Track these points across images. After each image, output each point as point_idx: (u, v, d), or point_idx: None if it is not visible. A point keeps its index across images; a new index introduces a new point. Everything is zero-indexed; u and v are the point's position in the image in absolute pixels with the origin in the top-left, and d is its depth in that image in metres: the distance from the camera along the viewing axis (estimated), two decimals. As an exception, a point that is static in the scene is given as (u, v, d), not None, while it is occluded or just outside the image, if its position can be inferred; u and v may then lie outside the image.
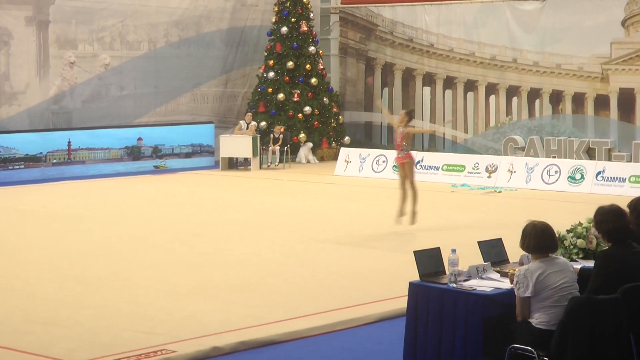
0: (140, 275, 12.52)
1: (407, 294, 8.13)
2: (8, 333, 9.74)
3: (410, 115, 16.29)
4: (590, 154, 23.80)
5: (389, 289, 11.59)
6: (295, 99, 27.65)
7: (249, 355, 9.23)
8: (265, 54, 28.31)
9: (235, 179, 24.00)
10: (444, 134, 27.70)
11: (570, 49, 25.18)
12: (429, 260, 8.14)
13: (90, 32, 26.23)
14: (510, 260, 8.69)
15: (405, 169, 16.15)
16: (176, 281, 12.15)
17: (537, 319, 7.42)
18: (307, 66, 27.78)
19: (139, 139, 25.95)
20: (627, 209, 7.96)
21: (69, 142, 24.74)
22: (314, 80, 27.82)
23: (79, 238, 15.42)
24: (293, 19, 27.86)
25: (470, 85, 27.31)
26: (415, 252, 8.11)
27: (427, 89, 28.13)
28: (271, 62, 27.97)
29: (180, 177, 24.53)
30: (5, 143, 23.67)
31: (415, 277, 8.12)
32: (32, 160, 24.06)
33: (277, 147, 26.52)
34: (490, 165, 22.71)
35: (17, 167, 23.80)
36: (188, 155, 27.12)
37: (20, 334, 9.73)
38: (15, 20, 24.81)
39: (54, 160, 24.49)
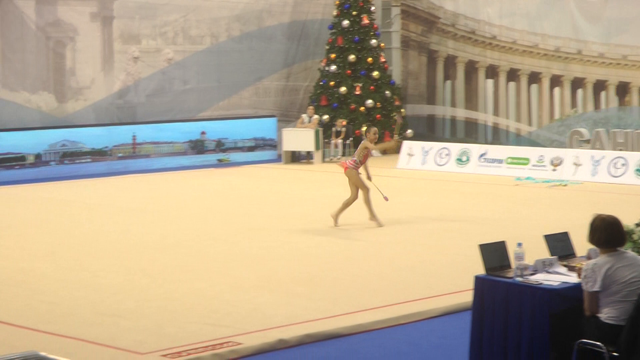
0: (205, 268, 12.61)
1: (472, 287, 8.09)
2: (77, 324, 9.87)
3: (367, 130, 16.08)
4: (657, 146, 23.48)
5: (453, 283, 11.54)
6: (357, 92, 27.62)
7: (314, 348, 9.25)
8: (327, 47, 28.31)
9: (298, 172, 24.05)
10: (507, 126, 27.50)
11: (636, 40, 24.84)
12: (495, 254, 8.08)
13: (154, 27, 26.45)
14: (577, 255, 8.61)
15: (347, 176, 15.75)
16: (241, 274, 12.21)
17: (606, 314, 7.33)
18: (369, 59, 27.74)
19: (203, 132, 26.12)
20: None
21: (134, 136, 24.99)
22: (375, 74, 27.77)
23: (144, 231, 15.57)
24: (354, 12, 27.83)
25: (534, 78, 27.08)
26: (480, 246, 8.06)
27: (490, 82, 27.95)
28: (333, 56, 27.97)
29: (243, 171, 24.63)
30: (72, 137, 23.98)
31: (481, 270, 8.07)
32: (98, 154, 24.35)
33: (340, 140, 26.52)
34: (555, 159, 22.49)
35: (84, 161, 24.09)
36: (251, 148, 27.22)
37: (88, 325, 9.85)
38: (80, 16, 25.11)
39: (119, 154, 24.75)
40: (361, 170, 15.93)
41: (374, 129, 16.09)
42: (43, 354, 5.38)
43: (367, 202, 15.72)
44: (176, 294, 11.14)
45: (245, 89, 28.28)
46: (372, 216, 15.71)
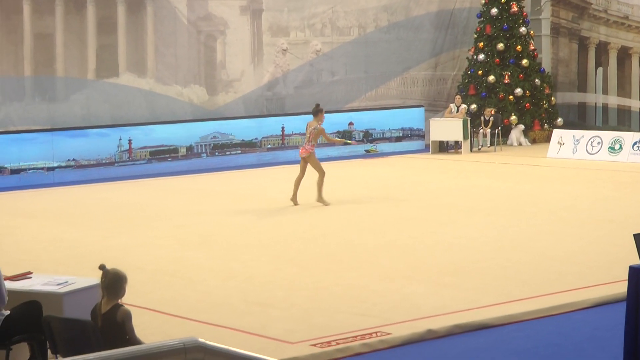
0: (353, 258, 12.66)
1: (626, 278, 7.88)
2: (228, 314, 10.05)
3: (318, 110, 17.49)
4: None
5: (606, 273, 11.30)
6: (506, 81, 27.27)
7: (463, 338, 9.19)
8: (475, 36, 28.03)
9: (446, 162, 23.92)
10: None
11: None
12: (650, 244, 7.86)
13: (302, 19, 26.67)
14: None
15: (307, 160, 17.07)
16: (389, 264, 12.22)
17: None
18: (518, 47, 27.34)
19: (350, 123, 26.21)
20: None
21: (283, 128, 25.26)
22: (525, 62, 27.35)
23: (292, 221, 15.73)
24: (503, 0, 27.45)
25: (691, 63, 26.20)
26: (635, 236, 7.85)
27: (643, 68, 27.19)
28: (481, 44, 27.68)
29: (391, 161, 24.64)
30: (222, 129, 24.40)
31: (635, 260, 7.87)
32: (247, 145, 24.70)
33: (488, 130, 26.25)
34: None
35: (234, 152, 24.48)
36: (398, 139, 27.19)
37: (239, 314, 10.02)
38: (231, 9, 25.51)
39: (269, 146, 25.05)
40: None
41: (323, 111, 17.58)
42: (201, 340, 5.48)
43: (321, 184, 17.01)
44: (325, 284, 11.23)
45: (392, 79, 28.25)
46: (320, 198, 16.95)
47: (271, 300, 10.55)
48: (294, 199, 17.14)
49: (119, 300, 7.55)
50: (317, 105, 17.79)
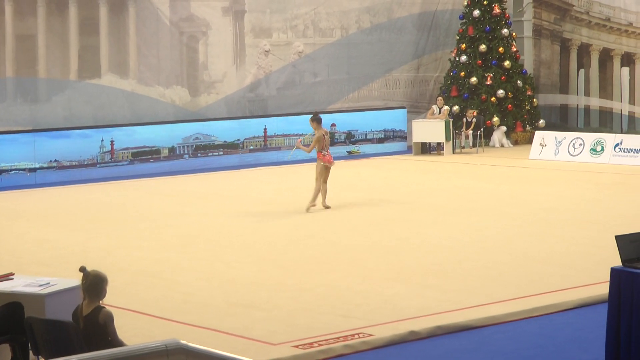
0: (337, 259, 12.65)
1: (608, 280, 7.91)
2: (211, 315, 10.03)
3: (313, 119, 17.07)
4: None
5: (588, 275, 11.33)
6: (488, 83, 27.32)
7: (445, 339, 9.20)
8: (457, 37, 28.07)
9: (428, 163, 23.94)
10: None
11: None
12: (632, 246, 7.88)
13: (284, 21, 26.66)
14: None
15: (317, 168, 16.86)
16: (372, 265, 12.22)
17: None
18: (500, 49, 27.39)
19: (333, 124, 26.22)
20: None
21: (265, 129, 25.24)
22: (507, 63, 27.41)
23: (276, 222, 15.71)
24: (485, 2, 27.49)
25: (672, 65, 26.32)
26: (617, 237, 7.87)
27: (625, 70, 27.28)
28: (463, 46, 27.72)
29: (374, 162, 24.64)
30: (204, 130, 24.36)
31: (617, 262, 7.89)
32: (230, 147, 24.67)
33: (470, 131, 26.30)
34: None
35: (216, 153, 24.44)
36: (381, 140, 27.20)
37: (222, 316, 10.00)
38: (213, 10, 25.48)
39: (251, 147, 25.03)
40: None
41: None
42: (183, 342, 5.47)
43: (317, 191, 16.78)
44: (308, 285, 11.22)
45: (375, 80, 28.27)
46: (312, 203, 16.71)
47: (254, 301, 10.54)
48: (323, 203, 16.81)
49: (101, 302, 7.53)
50: (315, 114, 17.51)
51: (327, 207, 16.74)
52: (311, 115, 17.29)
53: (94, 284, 7.48)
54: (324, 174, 16.78)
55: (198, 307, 10.38)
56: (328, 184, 16.90)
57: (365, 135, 27.00)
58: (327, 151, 16.86)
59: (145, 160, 23.35)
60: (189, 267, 12.45)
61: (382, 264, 12.26)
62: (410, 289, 10.91)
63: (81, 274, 7.54)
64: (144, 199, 18.87)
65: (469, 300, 10.34)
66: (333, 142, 26.05)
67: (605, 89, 27.79)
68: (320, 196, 16.83)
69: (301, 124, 25.70)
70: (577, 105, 28.39)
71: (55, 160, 22.03)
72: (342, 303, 10.33)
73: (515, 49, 27.84)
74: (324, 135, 16.89)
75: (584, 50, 28.19)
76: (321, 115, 17.41)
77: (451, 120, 25.85)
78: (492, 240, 13.74)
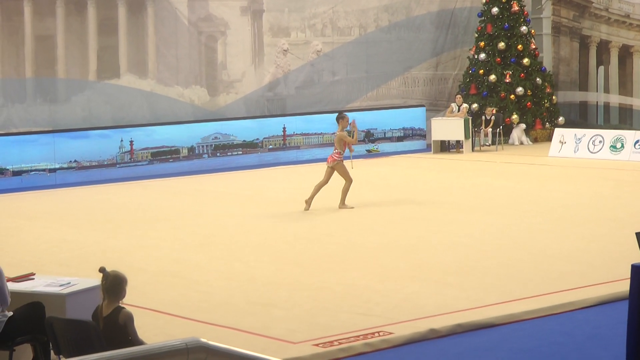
0: (355, 258, 12.65)
1: (629, 276, 7.88)
2: (231, 314, 10.04)
3: (339, 117, 16.99)
4: None
5: (608, 272, 11.29)
6: (507, 80, 27.26)
7: (465, 337, 9.19)
8: (476, 35, 28.02)
9: (448, 161, 23.91)
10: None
11: None
12: (652, 243, 7.86)
13: (302, 20, 26.67)
14: None
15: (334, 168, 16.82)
16: (391, 264, 12.21)
17: None
18: (519, 46, 27.32)
19: (352, 123, 26.17)
20: None
21: (284, 128, 25.25)
22: (526, 61, 27.34)
23: (294, 221, 15.72)
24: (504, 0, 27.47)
25: (692, 61, 26.19)
26: (637, 234, 7.85)
27: (645, 66, 27.18)
28: (482, 44, 27.67)
29: (393, 161, 24.63)
30: (224, 130, 24.39)
31: (637, 259, 7.87)
32: (249, 146, 24.70)
33: (490, 129, 26.23)
34: None
35: (235, 153, 24.47)
36: (400, 138, 27.19)
37: (242, 314, 10.02)
38: (231, 10, 25.52)
39: (270, 146, 25.05)
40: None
41: (346, 117, 16.91)
42: (204, 340, 5.48)
43: (346, 191, 16.75)
44: (327, 284, 11.22)
45: (393, 79, 28.24)
46: (343, 204, 16.73)
47: (273, 300, 10.55)
48: (308, 201, 16.76)
49: (120, 302, 7.55)
50: (340, 112, 17.63)
51: (350, 207, 16.74)
52: (337, 114, 17.30)
53: (113, 284, 7.50)
54: (345, 172, 16.74)
55: (217, 306, 10.40)
56: (332, 183, 16.87)
57: (384, 133, 26.98)
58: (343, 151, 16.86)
59: (165, 160, 23.40)
60: (207, 266, 12.47)
61: (401, 263, 12.25)
62: (429, 287, 10.89)
63: (101, 274, 7.56)
64: (163, 199, 18.91)
65: (489, 298, 10.32)
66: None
67: (625, 86, 27.68)
68: (341, 195, 16.86)
69: (320, 122, 25.74)
70: (597, 102, 28.29)
71: (75, 161, 22.11)
72: (361, 302, 10.33)
73: (534, 46, 27.77)
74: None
75: (603, 47, 28.08)
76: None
77: (470, 118, 25.81)
78: (511, 238, 13.71)
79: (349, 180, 16.77)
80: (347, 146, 16.88)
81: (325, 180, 16.86)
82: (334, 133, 17.20)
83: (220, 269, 12.28)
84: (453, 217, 15.57)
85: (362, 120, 26.49)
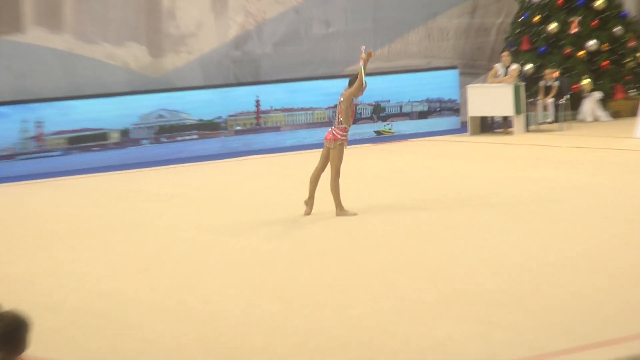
0: (361, 287, 12.56)
1: None
2: (181, 371, 9.93)
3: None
4: None
5: None
6: (574, 31, 27.25)
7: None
8: (529, -33, 28.10)
9: (491, 147, 23.99)
10: None
11: None
12: None
13: (282, -52, 26.64)
14: None
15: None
16: (411, 295, 12.13)
17: None
18: (590, -18, 27.43)
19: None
20: None
21: (257, 102, 25.20)
22: (599, 3, 27.35)
23: (273, 234, 15.68)
24: None
25: None
26: None
27: None
28: (538, -21, 27.74)
29: (413, 147, 24.69)
30: (172, 105, 24.33)
31: None
32: (208, 127, 24.65)
33: (550, 100, 26.22)
34: None
35: (188, 137, 24.43)
36: (422, 115, 27.22)
37: (197, 372, 9.90)
38: None
39: (237, 127, 25.01)
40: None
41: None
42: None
43: (336, 190, 16.67)
44: (321, 325, 11.13)
45: (412, 30, 28.24)
46: (341, 210, 16.70)
47: (244, 350, 10.42)
48: (309, 202, 16.80)
49: (20, 356, 7.38)
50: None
51: (351, 214, 16.68)
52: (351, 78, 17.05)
53: (10, 330, 7.34)
54: (339, 159, 16.67)
55: (162, 360, 10.24)
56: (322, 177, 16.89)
57: (401, 108, 27.00)
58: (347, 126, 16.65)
59: (87, 148, 23.40)
60: (148, 302, 12.37)
61: (426, 293, 12.14)
62: (468, 329, 10.78)
63: (-9, 316, 7.41)
64: (85, 205, 18.88)
65: (553, 343, 10.20)
66: (356, 118, 25.98)
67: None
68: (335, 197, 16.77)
69: (308, 93, 25.66)
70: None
71: (-44, 151, 22.12)
72: (370, 351, 10.21)
73: (611, -18, 27.84)
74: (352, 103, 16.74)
75: None
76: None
77: (523, 84, 25.79)
78: (585, 257, 13.62)
79: (336, 173, 16.62)
80: (353, 112, 16.70)
81: (323, 165, 16.80)
82: (336, 105, 16.89)
83: (165, 305, 12.16)
84: (500, 227, 15.53)
85: (368, 89, 26.27)
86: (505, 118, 25.86)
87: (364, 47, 16.83)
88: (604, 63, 27.31)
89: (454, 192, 18.64)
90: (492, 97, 25.62)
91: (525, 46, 27.76)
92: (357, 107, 25.91)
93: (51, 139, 23.04)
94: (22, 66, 23.62)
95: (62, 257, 14.75)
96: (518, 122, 25.57)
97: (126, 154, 23.66)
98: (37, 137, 22.90)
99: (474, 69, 28.63)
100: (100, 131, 23.54)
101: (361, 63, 16.61)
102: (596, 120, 27.17)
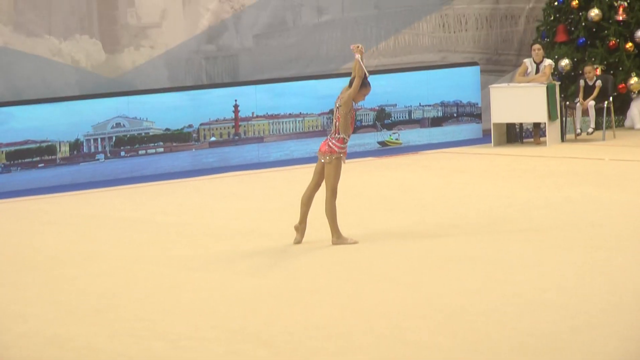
0: (364, 331, 12.59)
1: None
2: None
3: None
4: None
5: None
6: (620, 18, 27.31)
7: None
8: (565, -58, 28.18)
9: (520, 160, 24.02)
10: None
11: None
12: None
13: None
14: None
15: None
16: (425, 338, 12.16)
17: None
18: (640, -41, 27.50)
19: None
20: None
21: (236, 107, 25.24)
22: (651, -16, 27.48)
23: (255, 267, 15.72)
24: None
25: None
26: None
27: None
28: (575, -44, 27.83)
29: (424, 160, 24.67)
30: (132, 112, 24.35)
31: None
32: (176, 139, 24.67)
33: (591, 103, 26.24)
34: None
35: (152, 150, 24.43)
36: (436, 122, 27.24)
37: None
38: None
39: (212, 139, 25.03)
40: None
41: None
42: None
43: (332, 213, 16.76)
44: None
45: (423, 18, 28.30)
46: (338, 238, 16.82)
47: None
48: (300, 228, 16.93)
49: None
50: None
51: (351, 242, 16.83)
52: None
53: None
54: (335, 176, 16.75)
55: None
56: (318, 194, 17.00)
57: (410, 113, 27.05)
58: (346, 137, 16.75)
59: (32, 165, 23.35)
60: (107, 350, 12.36)
61: (441, 337, 12.19)
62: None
63: None
64: (28, 232, 18.92)
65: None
66: (356, 125, 26.06)
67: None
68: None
69: (297, 95, 25.72)
70: None
71: None
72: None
73: (665, -41, 27.92)
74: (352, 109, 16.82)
75: None
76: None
77: (558, 84, 25.83)
78: (635, 292, 13.66)
79: (331, 193, 16.70)
80: (353, 120, 16.77)
81: (316, 183, 16.88)
82: (332, 111, 17.02)
83: (129, 353, 12.18)
84: (531, 258, 15.58)
85: (371, 91, 26.49)
86: (537, 125, 25.89)
87: (352, 45, 16.89)
88: (656, 58, 27.47)
89: (474, 215, 18.69)
90: (521, 99, 25.62)
91: (560, 37, 27.73)
92: (358, 113, 26.08)
93: (-16, 154, 23.15)
94: (-52, 65, 23.80)
95: (1, 297, 14.80)
96: (552, 130, 25.60)
97: (77, 171, 23.65)
98: (-34, 152, 23.00)
99: (499, 65, 28.68)
100: (46, 144, 23.50)
101: (357, 57, 16.63)
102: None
